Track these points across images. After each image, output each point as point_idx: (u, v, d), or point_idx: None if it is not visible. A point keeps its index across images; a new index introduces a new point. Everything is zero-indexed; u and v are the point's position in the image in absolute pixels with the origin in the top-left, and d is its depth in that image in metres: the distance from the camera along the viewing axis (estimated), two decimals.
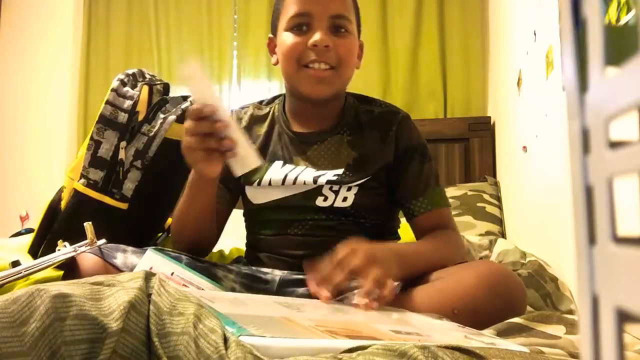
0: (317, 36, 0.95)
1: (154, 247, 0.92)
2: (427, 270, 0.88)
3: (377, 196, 1.01)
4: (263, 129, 1.08)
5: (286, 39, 0.99)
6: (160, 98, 1.17)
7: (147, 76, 1.22)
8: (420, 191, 0.99)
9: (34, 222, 2.40)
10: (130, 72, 1.19)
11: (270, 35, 1.07)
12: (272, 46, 1.06)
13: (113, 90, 1.14)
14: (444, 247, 0.95)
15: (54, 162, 2.85)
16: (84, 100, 2.91)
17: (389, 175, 1.01)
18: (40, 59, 2.95)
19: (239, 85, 2.80)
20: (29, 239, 1.28)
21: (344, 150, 1.01)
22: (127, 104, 1.13)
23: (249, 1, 2.81)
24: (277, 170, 1.02)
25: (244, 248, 1.14)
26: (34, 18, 2.99)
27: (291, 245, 0.99)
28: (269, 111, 1.10)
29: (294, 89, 1.03)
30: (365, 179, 0.99)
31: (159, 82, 1.21)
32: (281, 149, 1.05)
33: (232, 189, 1.08)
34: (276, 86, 2.74)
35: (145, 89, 1.15)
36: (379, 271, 0.76)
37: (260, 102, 1.13)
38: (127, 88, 1.15)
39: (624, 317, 0.18)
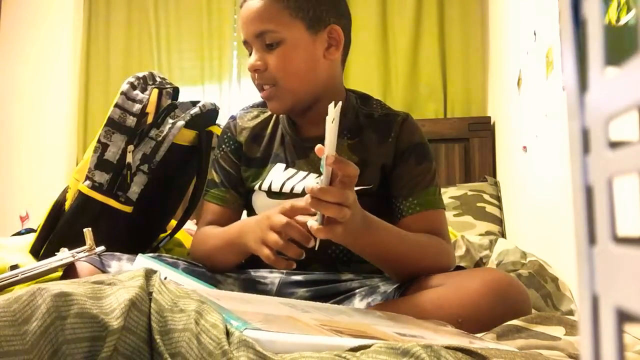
0: (249, 60, 0.96)
1: (147, 253, 0.91)
2: (394, 255, 0.87)
3: (378, 202, 0.97)
4: (267, 130, 1.06)
5: None
6: (170, 103, 1.17)
7: (158, 79, 1.21)
8: (411, 191, 0.96)
9: (34, 222, 2.40)
10: (140, 75, 1.18)
11: None
12: None
13: (122, 93, 1.13)
14: (425, 245, 0.90)
15: (54, 163, 2.85)
16: (84, 100, 2.91)
17: (386, 177, 0.98)
18: (40, 59, 2.95)
19: (239, 85, 2.80)
20: (30, 238, 1.28)
21: (345, 155, 0.99)
22: (136, 107, 1.12)
23: None
24: (278, 174, 1.00)
25: None
26: (34, 18, 2.99)
27: None
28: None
29: None
30: (365, 187, 0.95)
31: (169, 86, 1.20)
32: (283, 151, 1.02)
33: (242, 193, 1.06)
34: None
35: (155, 92, 1.15)
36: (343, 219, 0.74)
37: (264, 104, 1.10)
38: (136, 91, 1.14)
39: (624, 317, 0.18)
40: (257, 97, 1.06)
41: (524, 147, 1.67)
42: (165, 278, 0.82)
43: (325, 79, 0.99)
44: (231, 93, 2.80)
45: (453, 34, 2.56)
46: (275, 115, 1.07)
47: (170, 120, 1.14)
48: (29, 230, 1.87)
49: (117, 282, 0.54)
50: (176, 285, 0.55)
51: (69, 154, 2.88)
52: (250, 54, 0.98)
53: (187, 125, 1.14)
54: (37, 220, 1.20)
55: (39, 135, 2.91)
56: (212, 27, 2.83)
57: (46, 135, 2.91)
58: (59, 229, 1.12)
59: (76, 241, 0.92)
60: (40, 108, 2.93)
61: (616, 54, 0.19)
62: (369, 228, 0.82)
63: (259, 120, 1.08)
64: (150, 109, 1.13)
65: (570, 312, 1.03)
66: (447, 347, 0.47)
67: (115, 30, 2.93)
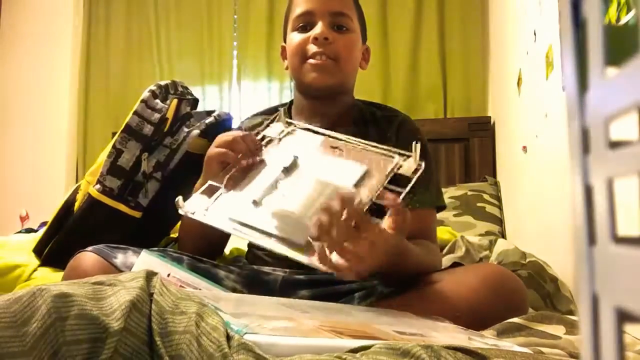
0: (317, 29, 1.01)
1: (150, 248, 0.91)
2: (410, 273, 0.88)
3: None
4: None
5: (293, 38, 1.05)
6: (186, 112, 1.17)
7: (180, 89, 1.21)
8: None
9: (34, 222, 2.40)
10: (162, 83, 1.18)
11: (283, 44, 1.12)
12: (284, 53, 1.12)
13: (143, 101, 1.13)
14: (431, 256, 0.95)
15: (53, 163, 2.85)
16: (84, 100, 2.91)
17: None
18: (40, 59, 2.95)
19: (239, 85, 2.80)
20: (31, 237, 1.27)
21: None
22: (155, 116, 1.12)
23: (249, 1, 2.81)
24: None
25: (244, 248, 1.14)
26: (34, 18, 2.99)
27: None
28: (274, 116, 1.12)
29: (299, 83, 1.07)
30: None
31: (190, 97, 1.21)
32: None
33: None
34: (276, 86, 2.74)
35: (175, 102, 1.15)
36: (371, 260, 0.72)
37: (267, 111, 1.16)
38: (157, 100, 1.14)
39: (624, 317, 0.18)
40: (256, 97, 1.08)
41: (524, 147, 1.67)
42: (169, 275, 0.82)
43: (352, 81, 1.10)
44: (231, 94, 2.80)
45: (453, 34, 2.56)
46: (278, 117, 1.11)
47: (185, 129, 1.15)
48: (29, 230, 1.87)
49: (117, 283, 0.54)
50: (177, 287, 0.55)
51: (69, 154, 2.87)
52: (306, 28, 1.03)
53: (202, 134, 1.15)
54: (37, 220, 1.20)
55: (38, 136, 2.91)
56: (212, 27, 2.83)
57: (46, 135, 2.91)
58: (66, 229, 1.12)
59: (81, 243, 0.92)
60: (40, 108, 2.93)
61: (616, 54, 0.19)
62: (398, 260, 0.80)
63: (262, 126, 1.11)
64: (168, 116, 1.14)
65: (570, 312, 1.03)
66: (447, 347, 0.47)
67: (115, 31, 2.93)
